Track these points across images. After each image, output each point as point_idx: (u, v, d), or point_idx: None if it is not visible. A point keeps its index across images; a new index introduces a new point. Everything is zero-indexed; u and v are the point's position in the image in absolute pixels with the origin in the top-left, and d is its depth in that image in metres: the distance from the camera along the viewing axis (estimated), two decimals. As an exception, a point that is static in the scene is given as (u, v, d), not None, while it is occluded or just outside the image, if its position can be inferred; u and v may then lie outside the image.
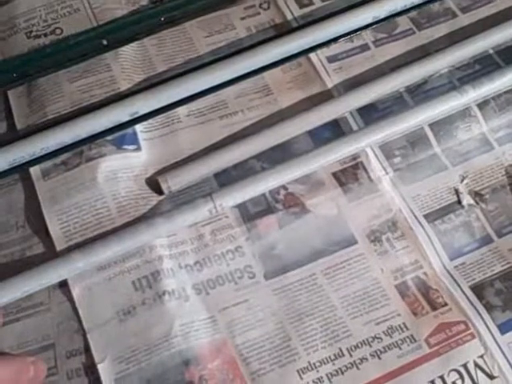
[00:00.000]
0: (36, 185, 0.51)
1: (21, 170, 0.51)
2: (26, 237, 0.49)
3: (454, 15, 0.61)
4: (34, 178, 0.51)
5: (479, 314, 0.48)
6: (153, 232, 0.48)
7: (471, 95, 0.55)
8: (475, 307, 0.48)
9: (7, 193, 0.51)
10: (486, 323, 0.48)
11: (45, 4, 0.59)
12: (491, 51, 0.58)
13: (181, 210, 0.49)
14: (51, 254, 0.48)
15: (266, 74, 0.57)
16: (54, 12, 0.58)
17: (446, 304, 0.49)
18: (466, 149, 0.54)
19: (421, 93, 0.57)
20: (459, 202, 0.53)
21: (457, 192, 0.53)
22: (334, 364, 0.46)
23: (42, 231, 0.49)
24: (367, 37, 0.59)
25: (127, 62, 0.56)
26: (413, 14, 0.60)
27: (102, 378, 0.44)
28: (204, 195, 0.50)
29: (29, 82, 0.55)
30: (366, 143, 0.53)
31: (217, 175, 0.53)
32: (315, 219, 0.51)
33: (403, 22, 0.60)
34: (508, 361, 0.47)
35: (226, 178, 0.52)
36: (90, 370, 0.45)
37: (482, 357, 0.47)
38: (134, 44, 0.57)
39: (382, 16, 0.58)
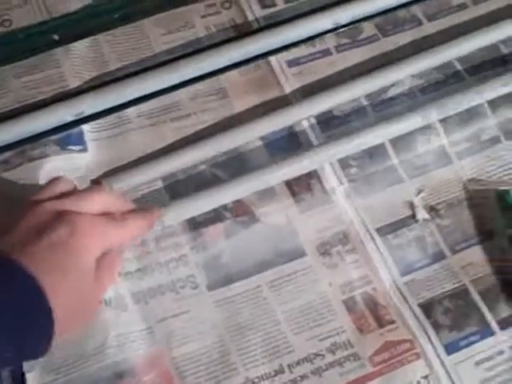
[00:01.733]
0: (-25, 184, 0.50)
1: (-40, 167, 0.50)
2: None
3: (420, 23, 0.60)
4: (-27, 177, 0.50)
5: (426, 333, 0.48)
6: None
7: (434, 119, 0.55)
8: (422, 326, 0.49)
9: None
10: (432, 343, 0.48)
11: (-6, -6, 0.58)
12: (455, 61, 0.58)
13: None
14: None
15: (222, 76, 0.56)
16: (5, 3, 0.58)
17: (393, 321, 0.49)
18: (424, 161, 0.54)
19: (381, 102, 0.57)
20: (414, 216, 0.53)
21: (412, 206, 0.53)
22: (273, 381, 0.46)
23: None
24: (330, 42, 0.59)
25: (78, 59, 0.56)
26: (378, 19, 0.60)
27: (29, 385, 0.44)
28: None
29: (-26, 75, 0.54)
30: (324, 159, 0.53)
31: (166, 183, 0.52)
32: (264, 229, 0.51)
33: (368, 28, 0.60)
34: (453, 382, 0.47)
35: (176, 188, 0.52)
36: (19, 379, 0.44)
37: (426, 377, 0.47)
38: (87, 40, 0.57)
39: (346, 21, 0.58)
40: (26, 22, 0.57)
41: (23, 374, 0.44)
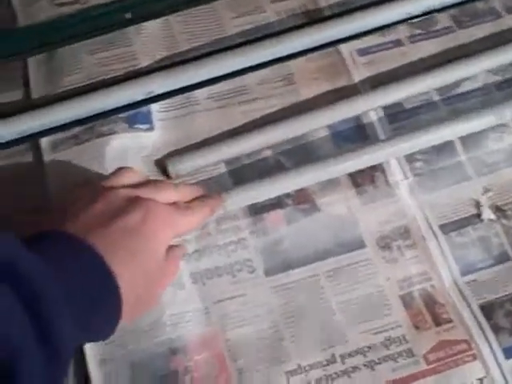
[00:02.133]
0: (44, 157, 0.52)
1: (31, 140, 0.52)
2: (30, 209, 0.49)
3: (499, 15, 0.59)
4: (43, 150, 0.52)
5: (484, 335, 0.47)
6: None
7: (508, 118, 0.53)
8: (481, 327, 0.48)
9: (16, 162, 0.52)
10: (490, 345, 0.47)
11: (73, -29, 0.60)
12: (533, 58, 0.56)
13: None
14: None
15: (291, 62, 0.56)
16: (81, -19, 0.59)
17: (450, 320, 0.48)
18: (493, 159, 0.53)
19: (453, 96, 0.55)
20: (479, 215, 0.52)
21: (478, 204, 0.52)
22: (324, 370, 0.46)
23: (46, 204, 0.50)
24: (402, 32, 0.58)
25: (149, 38, 0.57)
26: (455, 11, 0.59)
27: (88, 357, 0.45)
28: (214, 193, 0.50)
29: (49, 50, 0.56)
30: (391, 154, 0.52)
31: (230, 169, 0.52)
32: (325, 218, 0.51)
33: (443, 19, 0.59)
34: (509, 387, 0.46)
35: (240, 173, 0.52)
36: (77, 349, 0.45)
37: (481, 380, 0.46)
38: (159, 20, 0.57)
39: (419, 11, 0.57)
40: (101, 0, 0.58)
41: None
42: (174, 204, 0.46)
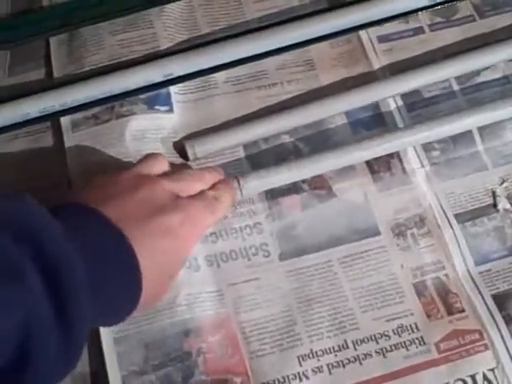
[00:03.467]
0: (65, 135, 0.50)
1: (52, 118, 0.51)
2: (50, 186, 0.49)
3: (522, 5, 0.57)
4: (63, 129, 0.51)
5: (496, 326, 0.46)
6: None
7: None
8: (494, 317, 0.46)
9: (36, 140, 0.51)
10: (502, 336, 0.46)
11: (97, -48, 0.58)
12: (555, 49, 0.54)
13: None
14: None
15: (311, 47, 0.55)
16: (105, -39, 0.57)
17: (463, 310, 0.47)
18: (511, 150, 0.51)
19: (472, 86, 0.54)
20: (495, 205, 0.50)
21: (494, 195, 0.50)
22: (336, 355, 0.45)
23: (64, 183, 0.49)
24: (423, 19, 0.56)
25: (171, 21, 0.55)
26: (476, 0, 0.57)
27: (102, 335, 0.44)
28: (231, 178, 0.48)
29: (71, 30, 0.54)
30: (408, 143, 0.51)
31: (248, 154, 0.51)
32: (340, 204, 0.50)
33: (464, 8, 0.57)
34: (520, 378, 0.45)
35: (257, 157, 0.51)
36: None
37: (492, 370, 0.45)
38: (181, 2, 0.56)
39: (441, -1, 0.55)
40: (124, -18, 0.56)
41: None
42: (202, 195, 0.45)
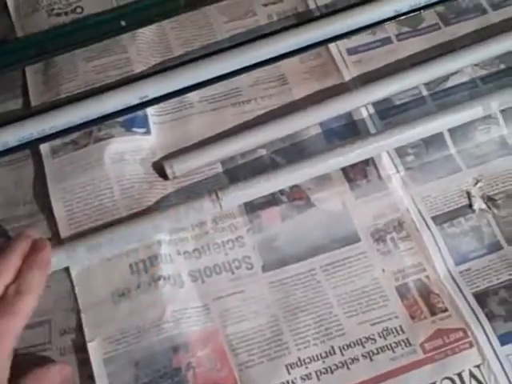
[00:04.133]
0: (44, 162, 0.51)
1: (31, 146, 0.51)
2: (32, 213, 0.50)
3: (484, 12, 0.58)
4: (43, 156, 0.51)
5: (480, 323, 0.46)
6: (158, 231, 0.48)
7: (494, 109, 0.52)
8: (476, 315, 0.47)
9: (17, 168, 0.51)
10: (486, 333, 0.46)
11: (68, -18, 0.59)
12: (517, 51, 0.56)
13: (186, 209, 0.48)
14: (55, 234, 0.48)
15: (282, 62, 0.55)
16: (77, -10, 0.58)
17: (446, 310, 0.47)
18: (482, 151, 0.52)
19: (441, 91, 0.55)
20: (470, 205, 0.51)
21: (469, 195, 0.51)
22: (324, 362, 0.45)
23: (47, 209, 0.49)
24: (390, 30, 0.57)
25: (144, 45, 0.56)
26: (440, 8, 0.58)
27: (92, 356, 0.44)
28: (210, 193, 0.49)
29: (46, 59, 0.55)
30: (383, 148, 0.51)
31: (225, 168, 0.52)
32: (319, 214, 0.50)
33: (429, 17, 0.58)
34: (505, 373, 0.45)
35: (235, 172, 0.51)
36: (81, 348, 0.45)
37: (478, 367, 0.45)
38: (153, 26, 0.57)
39: (406, 9, 0.56)
40: (96, 9, 0.57)
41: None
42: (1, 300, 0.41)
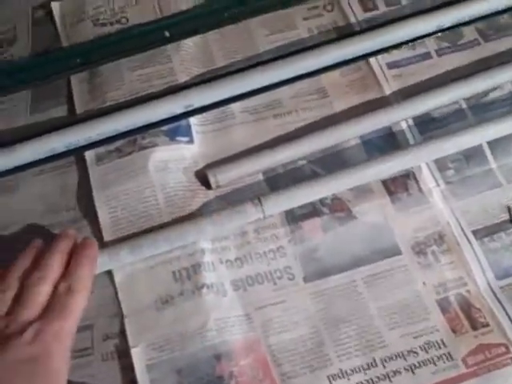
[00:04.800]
0: (89, 169, 0.51)
1: (76, 153, 0.52)
2: (76, 219, 0.50)
3: (523, 29, 0.58)
4: (88, 163, 0.51)
5: (522, 339, 0.46)
6: (200, 234, 0.48)
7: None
8: (518, 331, 0.46)
9: (62, 174, 0.52)
10: (528, 349, 0.45)
11: (113, -7, 0.59)
12: (559, 68, 0.55)
13: (229, 214, 0.48)
14: (98, 239, 0.48)
15: (323, 75, 0.56)
16: (122, 1, 0.59)
17: (487, 324, 0.46)
18: (523, 167, 0.52)
19: (481, 106, 0.54)
20: (511, 220, 0.50)
21: (509, 210, 0.50)
22: (365, 374, 0.45)
23: (91, 215, 0.50)
24: (430, 45, 0.57)
25: (188, 55, 0.56)
26: (480, 24, 0.58)
27: (135, 362, 0.44)
28: (252, 199, 0.49)
29: (92, 68, 0.55)
30: (422, 159, 0.51)
31: (267, 177, 0.52)
32: (360, 226, 0.50)
33: (469, 33, 0.58)
34: (547, 389, 0.44)
35: (276, 181, 0.51)
36: (124, 354, 0.45)
37: (520, 382, 0.44)
38: (196, 37, 0.57)
39: (447, 25, 0.56)
40: (141, 20, 0.58)
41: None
42: (49, 304, 0.41)
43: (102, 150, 0.52)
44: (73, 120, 0.52)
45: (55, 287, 0.42)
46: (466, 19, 0.56)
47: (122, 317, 0.46)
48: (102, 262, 0.46)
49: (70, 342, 0.40)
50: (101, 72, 0.55)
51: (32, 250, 0.44)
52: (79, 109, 0.54)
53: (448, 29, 0.56)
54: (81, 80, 0.55)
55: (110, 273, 0.48)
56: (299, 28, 0.58)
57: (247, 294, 0.47)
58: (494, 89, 0.55)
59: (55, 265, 0.43)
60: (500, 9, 0.57)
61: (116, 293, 0.47)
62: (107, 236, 0.49)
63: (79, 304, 0.42)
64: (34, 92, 0.56)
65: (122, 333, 0.46)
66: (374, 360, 0.45)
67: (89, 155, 0.51)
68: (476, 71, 0.55)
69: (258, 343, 0.46)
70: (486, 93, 0.55)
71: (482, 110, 0.54)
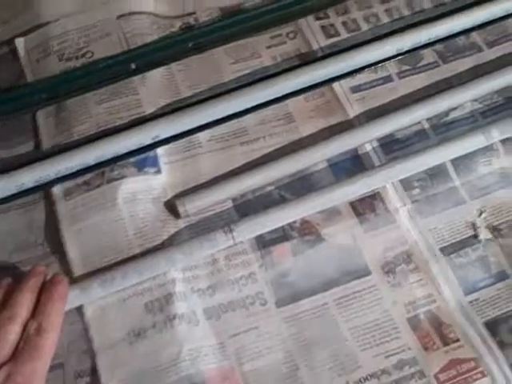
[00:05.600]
0: (57, 204, 0.51)
1: (44, 188, 0.51)
2: (45, 255, 0.49)
3: (480, 49, 0.59)
4: (55, 197, 0.51)
5: (491, 352, 0.46)
6: (171, 264, 0.48)
7: (496, 138, 0.53)
8: (488, 344, 0.46)
9: (29, 211, 0.51)
10: (498, 362, 0.46)
11: (78, 28, 0.59)
12: (515, 85, 0.56)
13: (199, 243, 0.48)
14: (68, 275, 0.48)
15: (289, 101, 0.56)
16: (86, 36, 0.59)
17: (457, 340, 0.47)
18: (485, 183, 0.53)
19: (442, 125, 0.55)
20: (476, 236, 0.51)
21: (474, 226, 0.51)
22: (341, 396, 0.45)
23: (60, 250, 0.49)
24: (391, 68, 0.58)
25: (154, 86, 0.56)
26: (438, 47, 0.59)
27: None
28: (223, 226, 0.49)
29: (58, 102, 0.55)
30: (387, 179, 0.52)
31: (236, 204, 0.52)
32: (330, 248, 0.50)
33: (428, 55, 0.59)
34: (519, 401, 0.45)
35: (245, 207, 0.51)
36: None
37: (492, 396, 0.45)
38: (162, 69, 0.57)
39: (406, 48, 0.57)
40: (107, 53, 0.58)
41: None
42: (19, 346, 0.40)
43: (70, 184, 0.51)
44: (41, 155, 0.52)
45: (25, 326, 0.41)
46: (425, 42, 0.57)
47: (93, 353, 0.45)
48: (73, 297, 0.45)
49: (43, 383, 0.40)
50: (67, 106, 0.55)
51: (0, 290, 0.43)
52: (46, 144, 0.53)
53: (407, 52, 0.57)
54: (47, 115, 0.55)
55: (79, 308, 0.47)
56: (263, 56, 0.59)
57: (220, 322, 0.47)
58: (455, 108, 0.56)
59: (25, 303, 0.42)
60: (456, 31, 0.58)
61: (87, 328, 0.46)
62: (77, 271, 0.48)
63: (50, 344, 0.41)
64: (0, 128, 0.55)
65: (94, 370, 0.45)
66: (348, 382, 0.45)
67: (57, 190, 0.51)
68: (436, 92, 0.56)
69: (233, 371, 0.45)
70: (446, 112, 0.56)
71: (443, 130, 0.55)
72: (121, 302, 0.47)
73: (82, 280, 0.47)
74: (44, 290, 0.43)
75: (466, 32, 0.59)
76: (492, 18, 0.59)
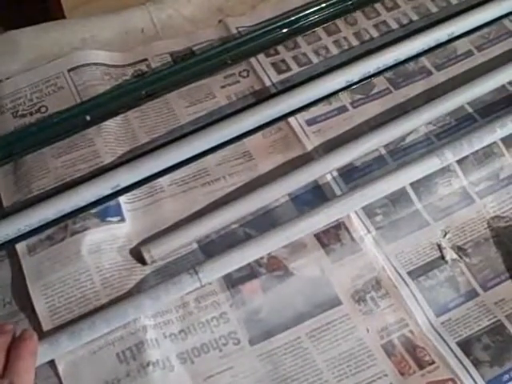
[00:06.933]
0: (22, 261, 0.52)
1: (7, 246, 0.53)
2: (13, 313, 0.50)
3: (430, 73, 0.63)
4: (20, 254, 0.52)
5: (467, 371, 0.48)
6: (139, 311, 0.49)
7: (450, 160, 0.56)
8: (463, 364, 0.49)
9: (-7, 270, 0.53)
10: (474, 380, 0.48)
11: (30, 84, 0.62)
12: (466, 106, 0.60)
13: (166, 287, 0.50)
14: (38, 331, 0.48)
15: (246, 140, 0.59)
16: (39, 91, 0.61)
17: (433, 362, 0.49)
18: (446, 204, 0.56)
19: (400, 150, 0.58)
20: (443, 257, 0.53)
21: (440, 247, 0.54)
22: (321, 429, 0.46)
23: (28, 307, 0.50)
24: (345, 98, 0.61)
25: (110, 136, 0.59)
26: (389, 74, 0.63)
27: None
28: (188, 269, 0.51)
29: (15, 160, 0.57)
30: (350, 208, 0.55)
31: (201, 245, 0.54)
32: (299, 282, 0.52)
33: (380, 83, 0.62)
34: (498, 418, 0.47)
35: (211, 248, 0.54)
36: None
37: (471, 414, 0.47)
38: (117, 118, 0.60)
39: (357, 78, 0.61)
40: (60, 107, 0.60)
41: None
42: None
43: (33, 239, 0.53)
44: (1, 214, 0.54)
45: None
46: (374, 71, 0.61)
47: (69, 408, 0.47)
48: (43, 352, 0.47)
49: None
50: (25, 162, 0.57)
51: None
52: (6, 201, 0.55)
53: (359, 82, 0.61)
54: (5, 173, 0.57)
55: (53, 363, 0.48)
56: (218, 96, 0.62)
57: (194, 365, 0.49)
58: (410, 132, 0.59)
59: None
60: (404, 58, 0.62)
61: (60, 383, 0.48)
62: (46, 326, 0.49)
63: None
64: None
65: (71, 426, 0.46)
66: (327, 414, 0.47)
67: (20, 247, 0.53)
68: (391, 118, 0.60)
69: (211, 414, 0.47)
70: (403, 137, 0.59)
71: (401, 155, 0.58)
72: (91, 355, 0.48)
73: (51, 334, 0.48)
74: (13, 348, 0.45)
75: (413, 58, 0.63)
76: (439, 42, 0.63)
